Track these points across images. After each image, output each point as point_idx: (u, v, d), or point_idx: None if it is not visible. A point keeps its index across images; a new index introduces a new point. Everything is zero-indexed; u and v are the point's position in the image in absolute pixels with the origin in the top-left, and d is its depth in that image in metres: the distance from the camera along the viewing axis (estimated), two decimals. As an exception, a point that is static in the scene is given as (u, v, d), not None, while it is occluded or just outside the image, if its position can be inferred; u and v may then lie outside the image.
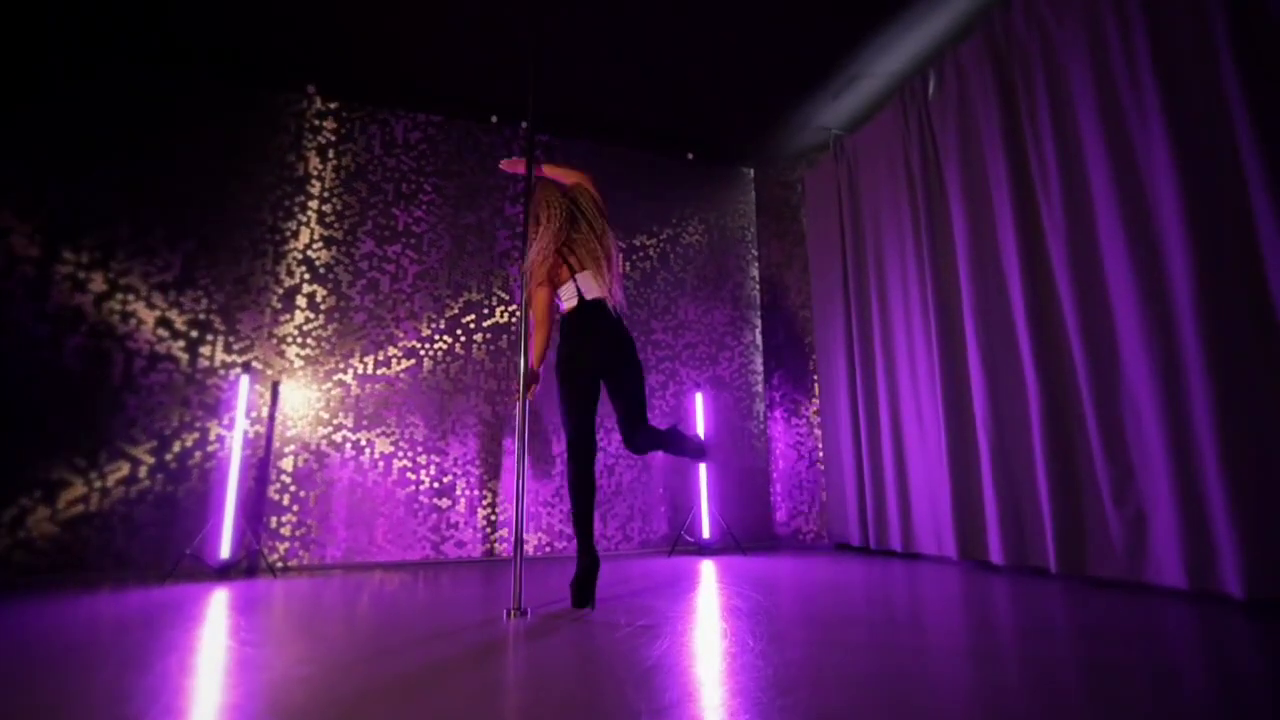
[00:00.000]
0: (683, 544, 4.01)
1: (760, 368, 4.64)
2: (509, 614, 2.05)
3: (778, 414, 4.57)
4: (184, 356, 3.46)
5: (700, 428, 4.12)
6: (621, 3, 3.28)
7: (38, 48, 3.44)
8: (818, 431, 4.46)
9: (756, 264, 4.82)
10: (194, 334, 3.49)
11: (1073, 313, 2.60)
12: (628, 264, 4.40)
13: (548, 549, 3.87)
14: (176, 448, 3.36)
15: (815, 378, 4.54)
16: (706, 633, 1.78)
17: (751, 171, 4.95)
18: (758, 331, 4.70)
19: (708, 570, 3.09)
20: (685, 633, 1.77)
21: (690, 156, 4.67)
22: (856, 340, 3.95)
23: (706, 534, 3.92)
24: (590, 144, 4.51)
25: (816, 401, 4.50)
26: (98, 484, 3.22)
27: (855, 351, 3.95)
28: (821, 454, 4.41)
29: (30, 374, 3.19)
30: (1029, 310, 2.79)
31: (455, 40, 3.56)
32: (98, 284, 3.38)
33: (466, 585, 2.76)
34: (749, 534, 4.25)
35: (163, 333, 3.44)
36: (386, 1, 3.26)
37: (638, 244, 4.50)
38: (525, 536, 3.83)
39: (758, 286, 4.78)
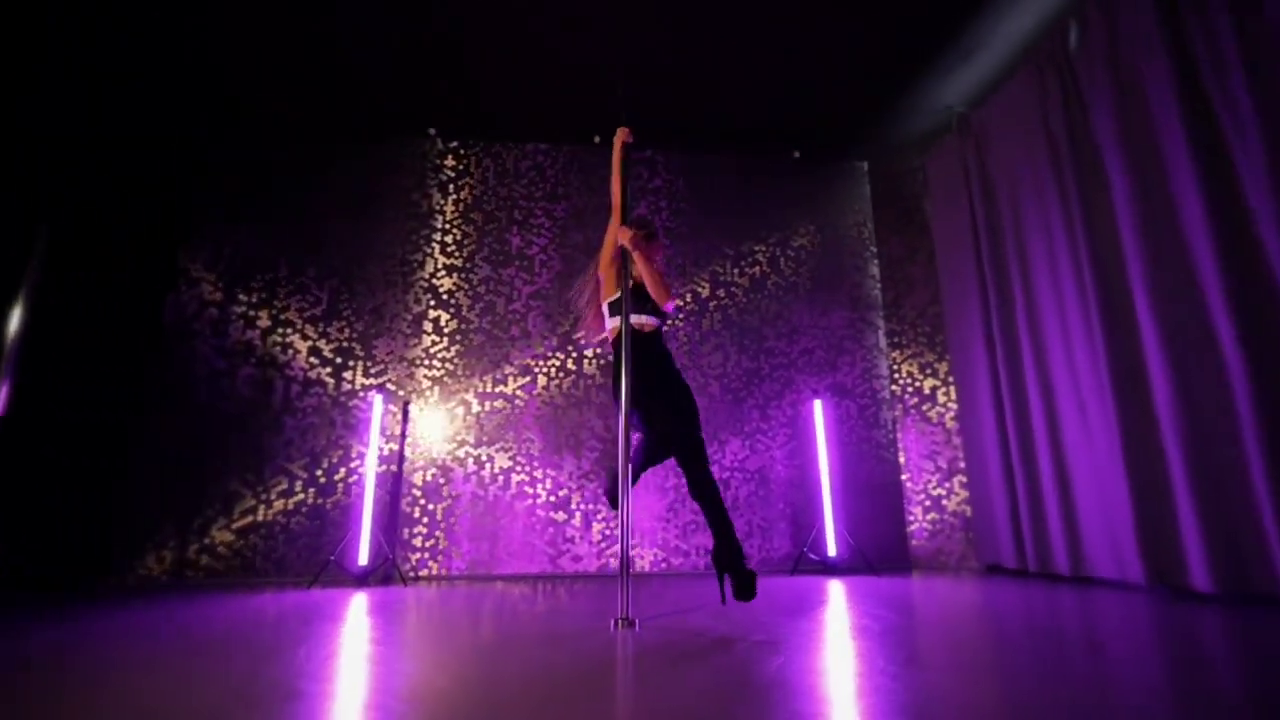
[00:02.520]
0: (806, 562, 3.73)
1: (885, 371, 4.27)
2: (617, 623, 1.97)
3: (909, 421, 4.16)
4: (330, 381, 3.83)
5: (821, 437, 3.84)
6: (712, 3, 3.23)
7: (225, 126, 4.07)
8: (956, 439, 3.99)
9: (876, 261, 4.48)
10: (338, 360, 3.86)
11: (1287, 276, 2.10)
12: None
13: (664, 564, 3.77)
14: (325, 464, 3.70)
15: (950, 380, 4.09)
16: (833, 654, 1.58)
17: (865, 165, 4.65)
18: (881, 333, 4.34)
19: (836, 591, 2.82)
20: (807, 652, 1.59)
21: (796, 155, 4.47)
22: (998, 334, 3.50)
23: (833, 551, 3.62)
24: (692, 155, 4.47)
25: (954, 406, 4.04)
26: (263, 497, 3.61)
27: (998, 347, 3.50)
28: (963, 464, 3.93)
29: (213, 401, 3.68)
30: (1225, 279, 2.30)
31: (554, 71, 3.70)
32: (264, 320, 3.86)
33: (581, 598, 2.73)
34: (880, 553, 3.87)
35: (314, 360, 3.84)
36: (492, 48, 3.48)
37: (745, 250, 4.36)
38: (642, 552, 3.77)
39: (878, 285, 4.43)
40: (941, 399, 4.13)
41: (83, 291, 3.28)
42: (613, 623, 1.99)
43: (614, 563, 3.75)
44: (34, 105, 3.14)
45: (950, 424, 4.06)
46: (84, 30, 3.20)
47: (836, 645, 1.63)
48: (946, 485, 3.99)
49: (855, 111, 4.12)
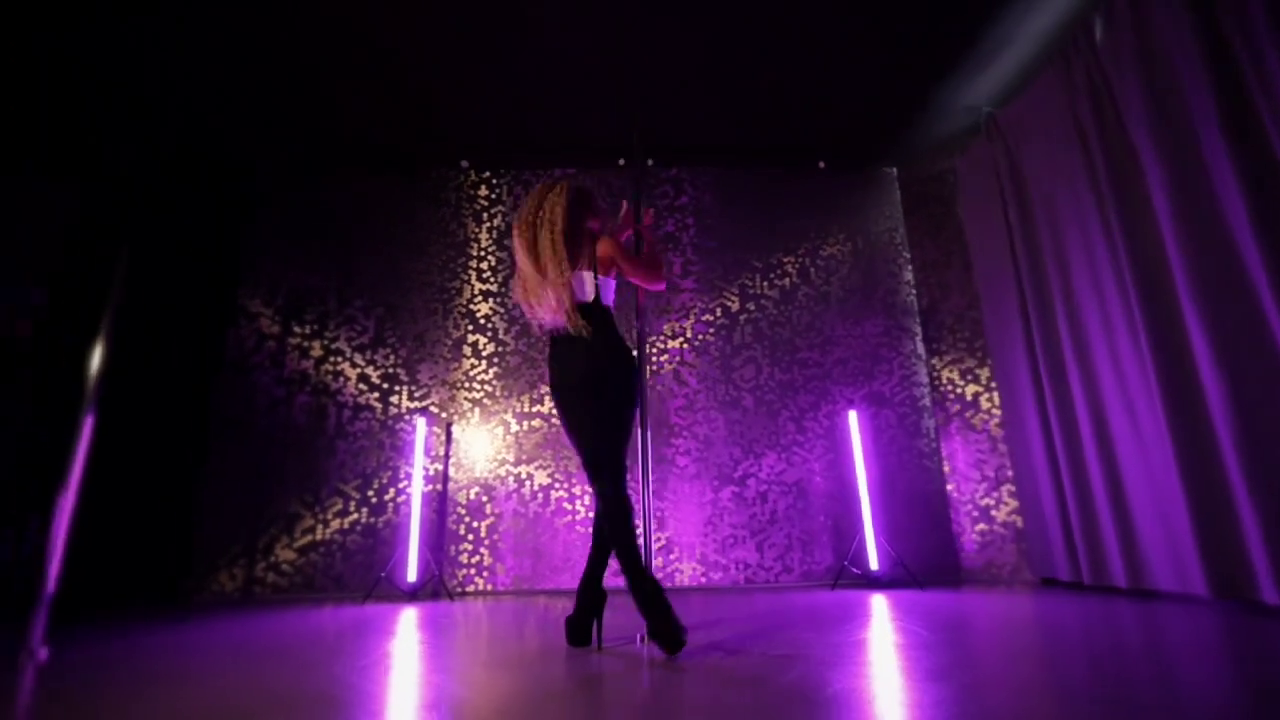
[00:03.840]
0: (848, 575, 3.66)
1: (925, 379, 4.17)
2: (641, 639, 2.02)
3: (952, 429, 4.05)
4: (379, 406, 4.03)
5: (858, 449, 3.79)
6: (731, 18, 3.28)
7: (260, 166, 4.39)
8: (1002, 447, 3.86)
9: (910, 267, 4.40)
10: (385, 385, 4.07)
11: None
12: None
13: (703, 579, 3.78)
14: (376, 485, 3.89)
15: (993, 386, 3.96)
16: (880, 669, 1.58)
17: (894, 170, 4.59)
18: (918, 339, 4.25)
19: (878, 606, 2.77)
20: (856, 671, 1.59)
21: (822, 165, 4.46)
22: (1039, 338, 3.39)
23: (875, 565, 3.54)
24: (718, 170, 4.53)
25: (998, 413, 3.92)
26: (321, 517, 3.83)
27: (1039, 351, 3.39)
28: (1010, 473, 3.79)
29: (272, 428, 3.94)
30: (1275, 277, 2.18)
31: (578, 98, 3.83)
32: (316, 350, 4.11)
33: (621, 613, 2.78)
34: (926, 566, 3.76)
35: (362, 386, 4.06)
36: (513, 83, 3.64)
37: (774, 262, 4.37)
38: (680, 566, 3.79)
39: (913, 291, 4.35)
40: (985, 405, 4.00)
41: (149, 329, 3.60)
42: (638, 638, 2.04)
43: (659, 576, 3.77)
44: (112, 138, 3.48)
45: (995, 431, 3.93)
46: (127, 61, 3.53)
47: (880, 660, 1.62)
48: (995, 495, 3.86)
49: (880, 118, 4.09)
